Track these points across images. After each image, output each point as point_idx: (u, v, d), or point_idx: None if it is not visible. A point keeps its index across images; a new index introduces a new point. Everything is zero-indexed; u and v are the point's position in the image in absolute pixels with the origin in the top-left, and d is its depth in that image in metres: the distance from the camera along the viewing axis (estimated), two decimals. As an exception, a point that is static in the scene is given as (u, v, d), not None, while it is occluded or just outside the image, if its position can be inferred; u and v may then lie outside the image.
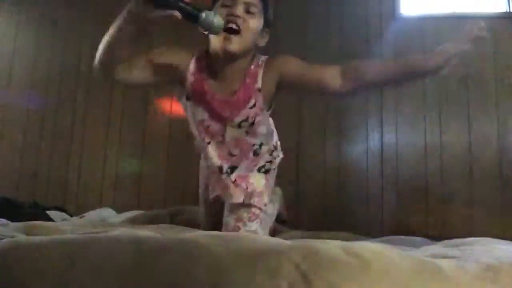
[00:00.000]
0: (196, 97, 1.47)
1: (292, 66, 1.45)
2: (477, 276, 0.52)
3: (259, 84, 1.46)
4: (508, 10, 3.08)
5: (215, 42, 1.38)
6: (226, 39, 1.35)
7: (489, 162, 2.94)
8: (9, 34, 3.41)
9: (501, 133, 2.96)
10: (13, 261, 0.48)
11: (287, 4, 3.28)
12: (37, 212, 2.20)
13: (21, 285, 0.45)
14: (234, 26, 1.35)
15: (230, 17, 1.35)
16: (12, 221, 1.60)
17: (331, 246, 0.52)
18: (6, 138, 3.28)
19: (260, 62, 1.48)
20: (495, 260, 0.57)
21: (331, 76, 1.39)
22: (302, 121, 3.19)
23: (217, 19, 1.22)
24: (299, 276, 0.48)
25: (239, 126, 1.50)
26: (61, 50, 3.39)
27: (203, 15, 1.19)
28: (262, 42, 1.48)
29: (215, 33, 1.27)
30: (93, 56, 1.28)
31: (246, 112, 1.47)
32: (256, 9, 1.39)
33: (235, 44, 1.36)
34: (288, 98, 3.21)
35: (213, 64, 1.45)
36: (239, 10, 1.36)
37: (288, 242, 0.71)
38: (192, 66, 1.46)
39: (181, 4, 1.15)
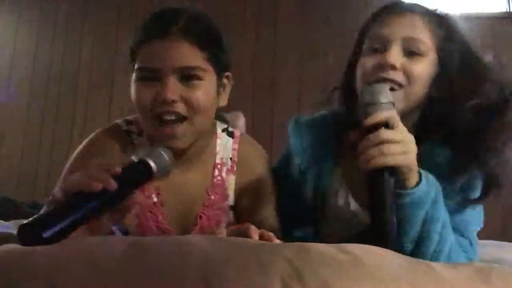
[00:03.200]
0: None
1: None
2: (469, 276, 0.53)
3: (230, 199, 1.05)
4: (508, 10, 3.09)
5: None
6: (167, 135, 0.95)
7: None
8: (9, 34, 3.43)
9: (501, 133, 2.97)
10: (4, 268, 0.49)
11: (286, 4, 3.28)
12: (37, 212, 2.21)
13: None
14: (167, 117, 0.92)
15: (161, 107, 0.92)
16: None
17: (323, 245, 0.54)
18: (6, 138, 3.29)
19: (227, 153, 1.06)
20: (487, 263, 0.58)
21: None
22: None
23: (167, 155, 0.85)
24: (291, 271, 0.49)
25: None
26: (61, 50, 3.40)
27: (151, 163, 0.82)
28: (224, 100, 1.04)
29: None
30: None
31: None
32: (201, 71, 0.92)
33: (183, 137, 0.95)
34: (288, 97, 3.21)
35: None
36: (172, 86, 0.90)
37: (279, 241, 0.73)
38: None
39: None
